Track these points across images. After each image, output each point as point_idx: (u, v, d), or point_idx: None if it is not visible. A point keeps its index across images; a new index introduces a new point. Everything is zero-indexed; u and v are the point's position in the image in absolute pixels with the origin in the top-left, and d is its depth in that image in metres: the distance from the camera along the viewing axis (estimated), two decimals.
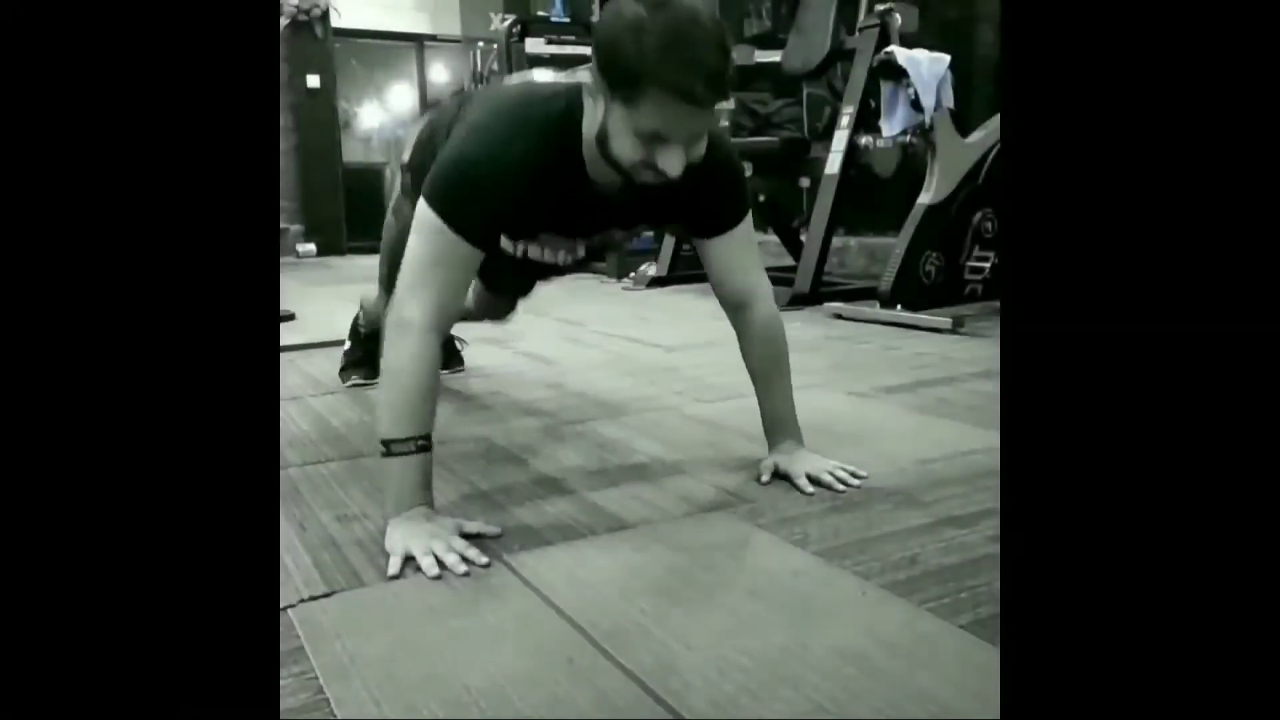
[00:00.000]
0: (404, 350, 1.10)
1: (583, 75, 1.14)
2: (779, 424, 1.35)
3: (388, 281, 1.38)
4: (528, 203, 1.16)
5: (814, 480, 1.27)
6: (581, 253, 1.39)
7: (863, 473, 1.31)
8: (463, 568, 1.02)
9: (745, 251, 1.31)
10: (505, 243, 1.32)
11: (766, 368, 1.35)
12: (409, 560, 1.04)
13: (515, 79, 1.34)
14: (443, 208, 1.12)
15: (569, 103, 1.13)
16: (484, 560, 1.04)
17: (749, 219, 1.31)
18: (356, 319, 2.06)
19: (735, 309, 1.34)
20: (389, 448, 1.10)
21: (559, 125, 1.13)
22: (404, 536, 1.06)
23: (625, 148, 1.05)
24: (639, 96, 1.01)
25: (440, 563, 1.02)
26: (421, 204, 1.14)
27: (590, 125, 1.09)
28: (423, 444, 1.11)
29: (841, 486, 1.27)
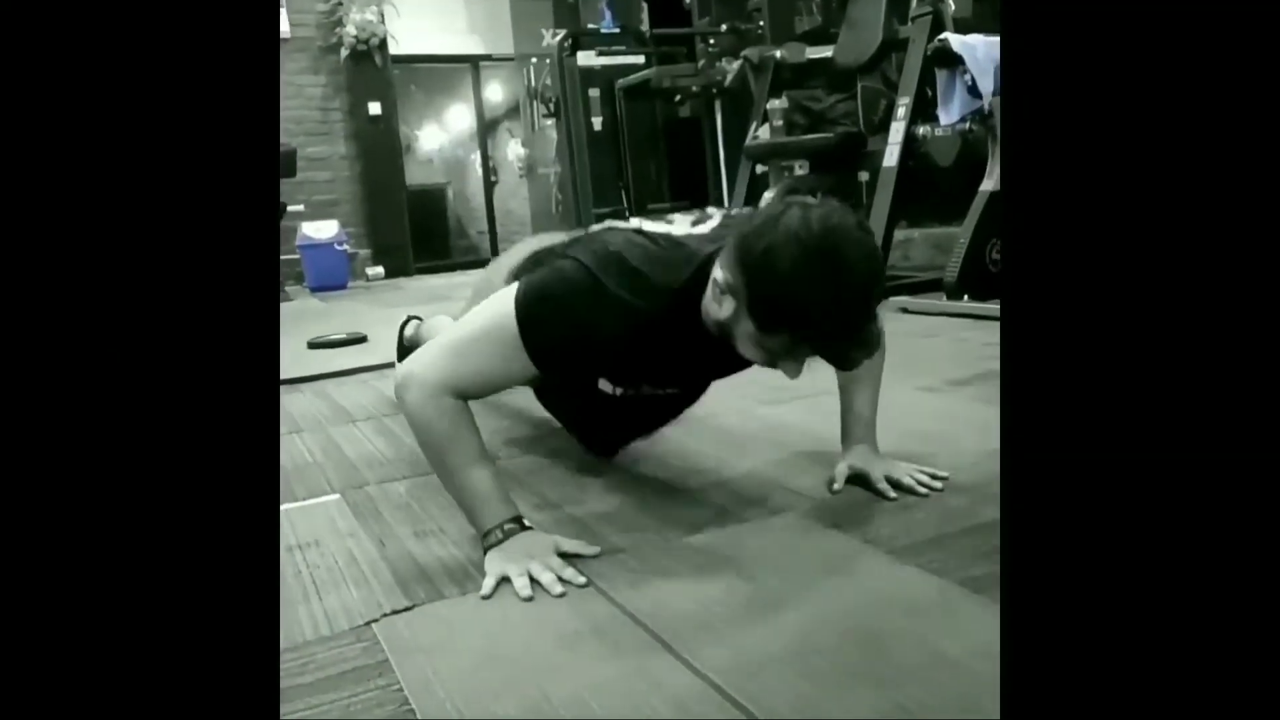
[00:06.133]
0: (434, 412, 1.07)
1: (697, 228, 1.12)
2: (859, 428, 1.31)
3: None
4: (630, 360, 1.14)
5: (894, 483, 1.22)
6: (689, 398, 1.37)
7: (944, 473, 1.26)
8: (559, 588, 1.00)
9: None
10: (604, 384, 1.27)
11: (861, 374, 1.27)
12: (504, 581, 1.02)
13: (631, 230, 1.18)
14: (526, 325, 1.05)
15: (697, 272, 1.05)
16: (581, 580, 1.01)
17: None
18: (402, 337, 2.06)
19: None
20: (491, 532, 1.08)
21: (685, 294, 1.06)
22: (501, 560, 1.05)
23: (748, 350, 1.02)
24: (780, 334, 0.97)
25: (536, 581, 1.01)
26: (508, 296, 1.08)
27: (711, 309, 1.02)
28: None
29: (923, 490, 1.22)
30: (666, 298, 1.06)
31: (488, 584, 1.02)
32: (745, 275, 0.96)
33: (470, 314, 1.14)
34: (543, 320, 1.06)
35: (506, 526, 1.08)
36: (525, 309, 1.06)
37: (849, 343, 0.98)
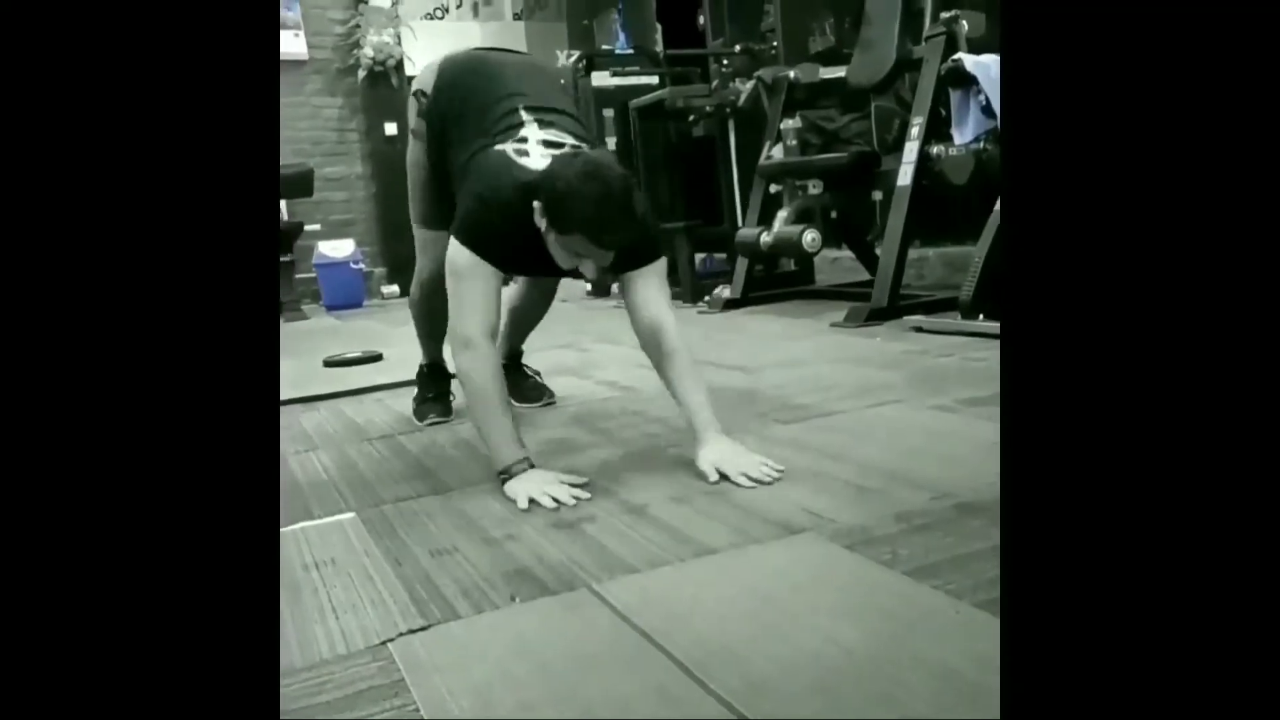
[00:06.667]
0: (473, 365, 1.53)
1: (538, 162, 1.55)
2: (702, 418, 1.57)
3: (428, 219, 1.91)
4: (519, 251, 1.60)
5: (721, 472, 1.46)
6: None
7: (779, 467, 1.46)
8: (572, 501, 1.40)
9: (659, 288, 1.64)
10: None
11: (687, 382, 1.60)
12: (532, 502, 1.40)
13: (509, 149, 1.61)
14: (471, 243, 1.55)
15: (533, 199, 1.50)
16: (588, 495, 1.43)
17: (662, 262, 1.65)
18: (421, 370, 2.20)
19: (649, 334, 1.62)
20: (507, 468, 1.49)
21: (526, 217, 1.52)
22: (523, 486, 1.44)
23: (558, 255, 1.52)
24: (569, 234, 1.45)
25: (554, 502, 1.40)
26: (453, 247, 1.56)
27: (538, 224, 1.50)
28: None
29: (768, 480, 1.42)
30: (520, 218, 1.52)
31: (521, 502, 1.41)
32: (544, 197, 1.46)
33: (449, 291, 1.57)
34: (478, 241, 1.55)
35: (520, 465, 1.50)
36: (467, 243, 1.55)
37: (611, 237, 1.45)
